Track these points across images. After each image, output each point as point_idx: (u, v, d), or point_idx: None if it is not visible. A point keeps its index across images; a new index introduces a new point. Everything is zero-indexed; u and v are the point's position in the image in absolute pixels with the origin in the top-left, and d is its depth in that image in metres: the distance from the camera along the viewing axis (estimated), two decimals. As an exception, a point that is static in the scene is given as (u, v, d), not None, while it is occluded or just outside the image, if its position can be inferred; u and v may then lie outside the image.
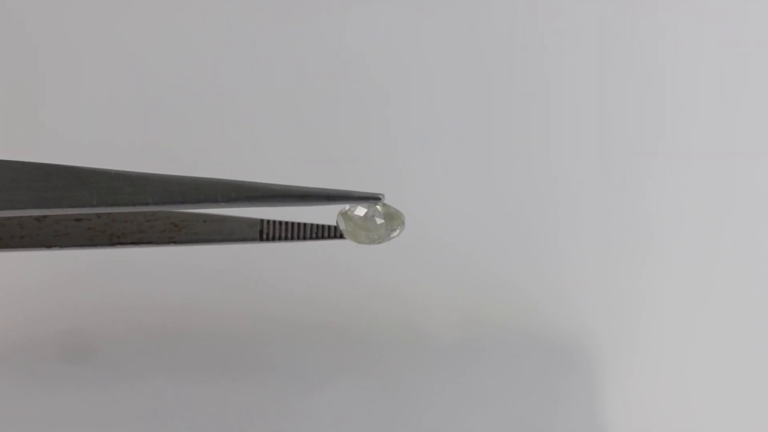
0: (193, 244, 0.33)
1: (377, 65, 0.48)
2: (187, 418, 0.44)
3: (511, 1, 0.49)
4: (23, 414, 0.44)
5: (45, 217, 0.32)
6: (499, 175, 0.47)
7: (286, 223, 0.32)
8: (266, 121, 0.47)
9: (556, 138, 0.47)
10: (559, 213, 0.46)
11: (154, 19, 0.48)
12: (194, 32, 0.48)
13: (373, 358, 0.45)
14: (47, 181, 0.26)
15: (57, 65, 0.48)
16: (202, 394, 0.44)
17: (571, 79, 0.48)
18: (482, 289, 0.46)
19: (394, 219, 0.30)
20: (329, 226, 0.32)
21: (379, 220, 0.30)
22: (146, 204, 0.26)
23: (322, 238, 0.32)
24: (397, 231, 0.30)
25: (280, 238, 0.33)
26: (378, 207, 0.30)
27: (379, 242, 0.30)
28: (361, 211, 0.30)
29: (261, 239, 0.33)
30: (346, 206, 0.30)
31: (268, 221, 0.33)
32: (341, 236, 0.31)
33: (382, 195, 0.29)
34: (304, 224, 0.32)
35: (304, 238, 0.32)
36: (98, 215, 0.32)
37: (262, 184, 0.27)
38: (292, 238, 0.32)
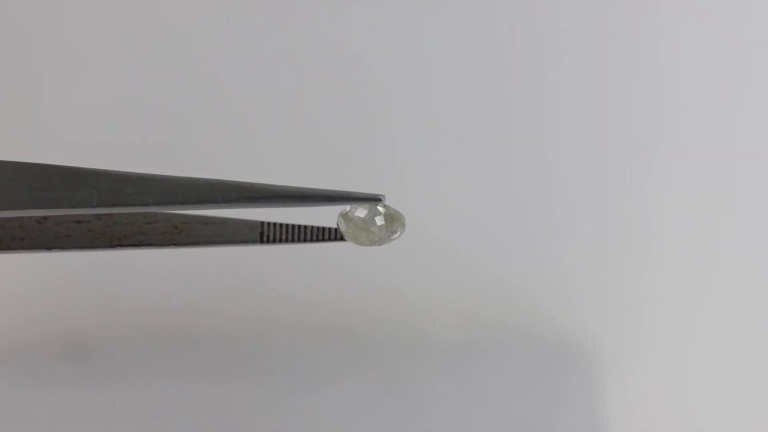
0: (194, 246, 0.33)
1: (377, 65, 0.48)
2: (188, 418, 0.44)
3: (511, 1, 0.49)
4: (23, 414, 0.44)
5: (45, 219, 0.32)
6: (499, 175, 0.47)
7: (287, 225, 0.32)
8: (266, 121, 0.47)
9: (556, 138, 0.47)
10: (559, 213, 0.46)
11: (154, 19, 0.48)
12: (194, 32, 0.48)
13: (373, 360, 0.45)
14: (47, 182, 0.26)
15: (57, 65, 0.48)
16: (202, 395, 0.44)
17: (571, 79, 0.48)
18: (483, 290, 0.46)
19: (394, 220, 0.30)
20: (330, 229, 0.32)
21: (380, 221, 0.30)
22: (147, 204, 0.26)
23: (323, 240, 0.32)
24: (398, 232, 0.30)
25: (280, 241, 0.33)
26: (378, 208, 0.30)
27: (380, 243, 0.30)
28: (361, 212, 0.30)
29: (261, 241, 0.33)
30: (347, 207, 0.30)
31: (269, 223, 0.33)
32: (342, 238, 0.31)
33: (383, 196, 0.29)
34: (305, 226, 0.32)
35: (305, 241, 0.32)
36: (99, 217, 0.32)
37: (262, 184, 0.27)
38: (293, 241, 0.32)
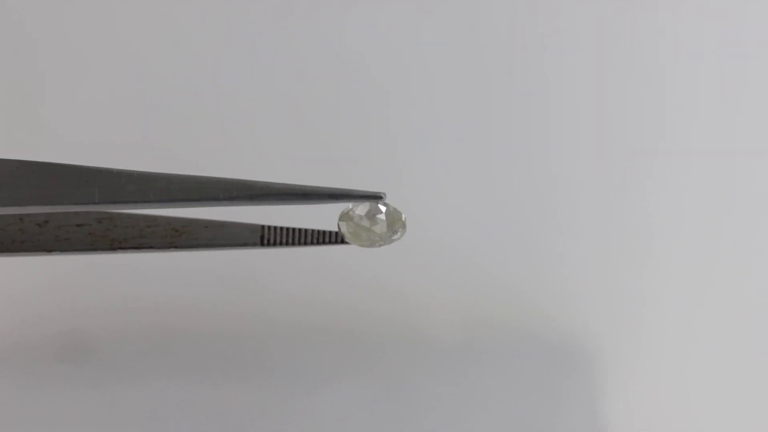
0: (195, 249, 0.33)
1: (377, 65, 0.48)
2: (188, 419, 0.44)
3: (511, 1, 0.49)
4: (23, 414, 0.44)
5: (46, 222, 0.32)
6: (499, 175, 0.47)
7: (288, 228, 0.32)
8: (266, 121, 0.47)
9: (556, 138, 0.47)
10: (559, 213, 0.46)
11: (154, 19, 0.48)
12: (194, 32, 0.48)
13: (374, 360, 0.45)
14: (49, 179, 0.26)
15: (57, 65, 0.48)
16: (202, 396, 0.44)
17: (571, 79, 0.48)
18: (483, 290, 0.45)
19: (395, 218, 0.30)
20: (330, 232, 0.32)
21: (381, 219, 0.30)
22: (148, 201, 0.26)
23: (324, 243, 0.32)
24: (399, 233, 0.30)
25: (281, 244, 0.32)
26: (380, 206, 0.30)
27: (381, 244, 0.30)
28: (362, 209, 0.30)
29: (262, 245, 0.33)
30: (349, 205, 0.30)
31: (270, 227, 0.33)
32: (342, 241, 0.31)
33: (384, 193, 0.29)
34: (306, 230, 0.32)
35: (305, 244, 0.32)
36: (99, 221, 0.32)
37: (263, 182, 0.27)
38: (294, 244, 0.32)
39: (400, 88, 0.48)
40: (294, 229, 0.32)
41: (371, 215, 0.30)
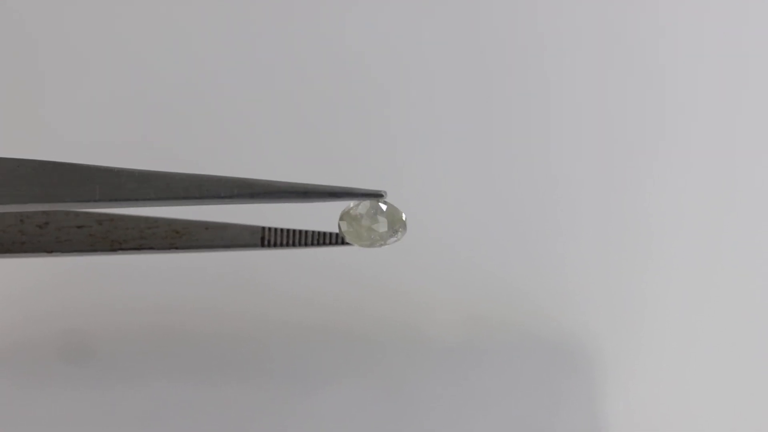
0: (195, 250, 0.33)
1: (377, 65, 0.48)
2: (188, 419, 0.44)
3: (511, 1, 0.49)
4: (23, 414, 0.44)
5: (47, 224, 0.32)
6: (499, 175, 0.47)
7: (288, 230, 0.32)
8: (266, 121, 0.47)
9: (556, 138, 0.47)
10: (559, 213, 0.46)
11: (154, 19, 0.48)
12: (194, 32, 0.48)
13: (374, 360, 0.45)
14: (50, 177, 0.26)
15: (57, 65, 0.48)
16: (202, 396, 0.44)
17: (571, 79, 0.48)
18: (483, 291, 0.45)
19: (395, 217, 0.30)
20: (331, 233, 0.32)
21: (381, 218, 0.30)
22: (149, 199, 0.26)
23: (324, 244, 0.32)
24: (399, 234, 0.30)
25: (281, 245, 0.32)
26: (380, 204, 0.30)
27: (381, 244, 0.30)
28: (363, 208, 0.30)
29: (262, 246, 0.33)
30: (350, 204, 0.30)
31: (270, 228, 0.33)
32: (343, 242, 0.31)
33: (385, 192, 0.29)
34: (306, 231, 0.32)
35: (306, 245, 0.32)
36: (100, 222, 0.32)
37: (264, 180, 0.27)
38: (294, 245, 0.32)
39: (400, 88, 0.48)
40: (294, 231, 0.32)
41: (372, 214, 0.30)
